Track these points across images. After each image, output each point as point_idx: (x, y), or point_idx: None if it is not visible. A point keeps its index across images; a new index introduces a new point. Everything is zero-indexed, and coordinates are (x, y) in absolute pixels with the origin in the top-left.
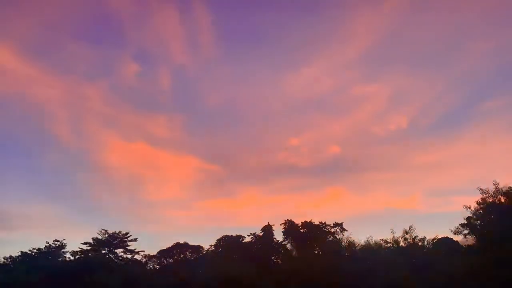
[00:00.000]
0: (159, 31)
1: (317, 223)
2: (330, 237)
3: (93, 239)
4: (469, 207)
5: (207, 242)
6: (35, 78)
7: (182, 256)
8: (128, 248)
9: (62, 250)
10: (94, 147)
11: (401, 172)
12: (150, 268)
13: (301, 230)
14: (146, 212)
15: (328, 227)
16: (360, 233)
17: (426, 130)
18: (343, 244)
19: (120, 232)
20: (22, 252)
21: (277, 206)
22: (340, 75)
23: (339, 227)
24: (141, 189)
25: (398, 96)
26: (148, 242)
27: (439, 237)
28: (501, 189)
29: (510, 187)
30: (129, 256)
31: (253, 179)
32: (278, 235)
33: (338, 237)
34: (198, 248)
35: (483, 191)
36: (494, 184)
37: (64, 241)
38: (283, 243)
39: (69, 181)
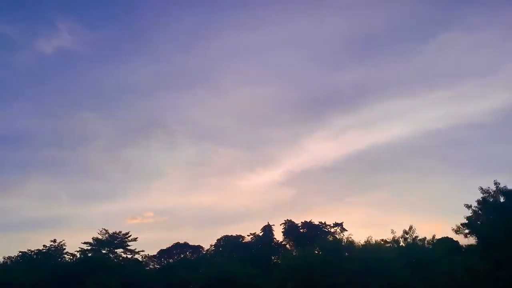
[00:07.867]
0: None
1: (317, 223)
2: (330, 237)
3: (93, 239)
4: (470, 206)
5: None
6: None
7: (182, 256)
8: (128, 248)
9: (61, 251)
10: None
11: None
12: (150, 268)
13: (301, 230)
14: None
15: (328, 227)
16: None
17: None
18: (343, 244)
19: (120, 232)
20: (21, 252)
21: None
22: None
23: (339, 227)
24: None
25: None
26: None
27: (439, 237)
28: (502, 188)
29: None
30: (129, 256)
31: None
32: (278, 235)
33: (338, 237)
34: (198, 248)
35: (483, 191)
36: (494, 183)
37: (62, 242)
38: (283, 243)
39: None
